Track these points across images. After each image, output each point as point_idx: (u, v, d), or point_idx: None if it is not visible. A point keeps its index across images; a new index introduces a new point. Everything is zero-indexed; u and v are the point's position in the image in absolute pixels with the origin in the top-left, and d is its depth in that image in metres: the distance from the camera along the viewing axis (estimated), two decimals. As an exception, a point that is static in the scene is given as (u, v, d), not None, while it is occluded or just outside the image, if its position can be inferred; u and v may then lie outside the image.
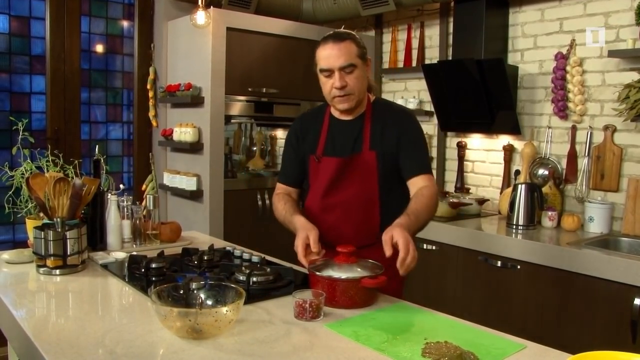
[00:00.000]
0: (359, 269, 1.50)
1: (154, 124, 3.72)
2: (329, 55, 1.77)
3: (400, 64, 3.86)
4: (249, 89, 3.36)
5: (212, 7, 3.22)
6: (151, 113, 3.69)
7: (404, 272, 1.47)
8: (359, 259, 1.57)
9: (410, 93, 3.85)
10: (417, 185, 1.80)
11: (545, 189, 2.98)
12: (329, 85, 1.80)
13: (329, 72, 1.78)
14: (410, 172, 1.82)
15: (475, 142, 3.50)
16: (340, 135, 1.88)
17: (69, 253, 1.69)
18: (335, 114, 1.91)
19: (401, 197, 1.85)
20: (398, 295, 1.73)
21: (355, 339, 1.22)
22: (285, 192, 2.00)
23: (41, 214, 1.88)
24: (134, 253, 1.80)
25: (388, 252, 1.49)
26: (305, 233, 1.64)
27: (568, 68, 2.95)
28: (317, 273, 1.49)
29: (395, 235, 1.49)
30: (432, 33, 3.69)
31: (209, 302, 1.32)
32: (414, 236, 1.62)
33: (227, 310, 1.19)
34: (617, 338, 2.21)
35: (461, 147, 3.54)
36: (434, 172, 3.71)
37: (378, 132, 1.83)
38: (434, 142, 3.72)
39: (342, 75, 1.76)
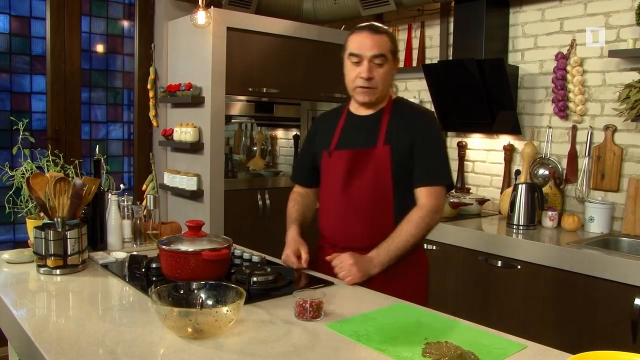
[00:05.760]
0: (205, 243, 1.56)
1: (155, 123, 3.72)
2: (362, 42, 1.73)
3: (401, 64, 3.84)
4: (250, 89, 3.36)
5: (212, 7, 3.22)
6: (151, 113, 3.69)
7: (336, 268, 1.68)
8: (208, 234, 1.64)
9: (410, 93, 3.85)
10: (419, 198, 1.77)
11: (545, 189, 2.98)
12: (354, 73, 1.75)
13: (358, 59, 1.73)
14: (417, 181, 1.78)
15: (476, 142, 3.50)
16: (355, 129, 1.84)
17: (69, 253, 1.69)
18: (353, 109, 1.88)
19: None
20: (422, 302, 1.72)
21: (355, 339, 1.22)
22: (299, 192, 2.02)
23: (41, 214, 1.88)
24: (135, 253, 1.80)
25: (329, 257, 1.72)
26: (296, 246, 1.80)
27: (568, 68, 2.95)
28: (163, 247, 1.52)
29: (344, 258, 1.67)
30: (433, 33, 3.69)
31: (210, 302, 1.31)
32: (387, 263, 1.71)
33: (227, 310, 1.19)
34: (617, 338, 2.21)
35: (462, 147, 3.54)
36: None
37: (394, 128, 1.78)
38: (435, 142, 3.72)
39: (370, 67, 1.72)
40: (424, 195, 1.76)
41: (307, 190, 2.02)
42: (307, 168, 1.99)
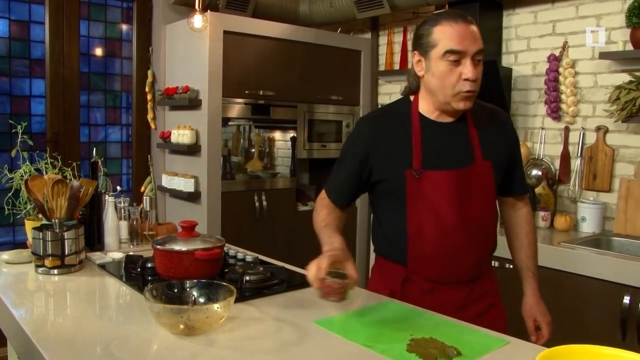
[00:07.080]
0: (198, 243, 1.60)
1: (153, 126, 3.76)
2: (463, 36, 1.38)
3: (396, 66, 3.89)
4: (246, 92, 3.40)
5: (209, 10, 3.26)
6: (149, 115, 3.73)
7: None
8: (202, 234, 1.67)
9: (406, 95, 3.88)
10: (516, 207, 1.69)
11: (538, 190, 3.01)
12: (454, 76, 1.41)
13: (459, 57, 1.39)
14: (516, 190, 1.66)
15: (470, 143, 3.53)
16: (441, 142, 1.51)
17: (66, 253, 1.72)
18: (427, 113, 1.53)
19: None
20: (503, 326, 1.61)
21: (343, 336, 1.26)
22: (330, 204, 1.62)
23: (40, 215, 1.92)
24: (131, 253, 1.84)
25: (535, 338, 1.67)
26: (341, 257, 1.32)
27: (561, 70, 2.98)
28: (157, 246, 1.57)
29: (540, 321, 1.71)
30: (428, 35, 3.72)
31: (201, 300, 1.35)
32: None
33: (218, 307, 1.23)
34: (607, 336, 2.24)
35: (456, 148, 3.56)
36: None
37: (486, 138, 1.53)
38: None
39: (473, 64, 1.40)
40: (523, 202, 1.70)
41: (339, 209, 1.63)
42: (354, 186, 1.60)
